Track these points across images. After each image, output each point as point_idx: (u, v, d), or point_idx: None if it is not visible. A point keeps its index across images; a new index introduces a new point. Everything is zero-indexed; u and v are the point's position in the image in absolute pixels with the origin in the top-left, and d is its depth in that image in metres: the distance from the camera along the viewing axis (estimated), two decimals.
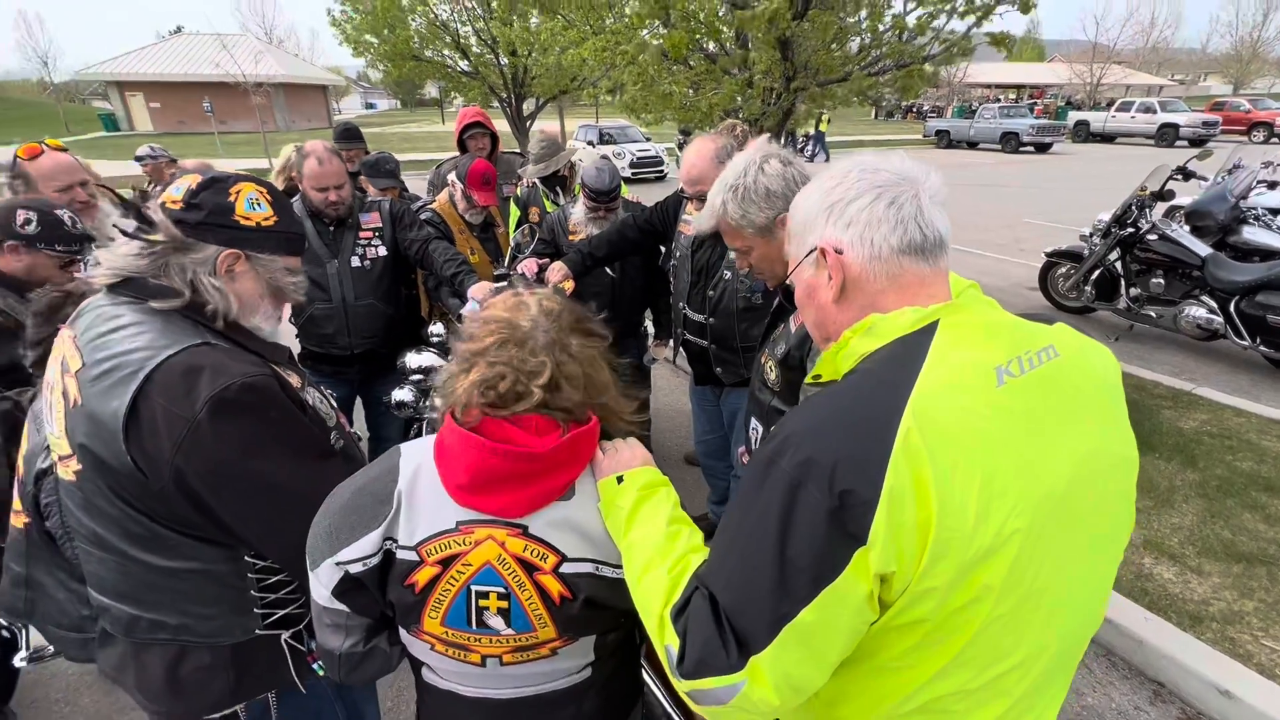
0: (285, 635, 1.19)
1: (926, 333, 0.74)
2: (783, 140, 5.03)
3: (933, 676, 0.70)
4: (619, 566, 0.95)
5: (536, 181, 3.39)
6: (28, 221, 1.91)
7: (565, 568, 0.93)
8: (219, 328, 1.11)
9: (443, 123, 40.82)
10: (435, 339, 2.66)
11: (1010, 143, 23.37)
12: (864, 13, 4.15)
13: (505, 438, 0.91)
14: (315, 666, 1.25)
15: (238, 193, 1.12)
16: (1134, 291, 5.35)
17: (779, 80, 4.07)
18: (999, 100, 34.77)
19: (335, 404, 1.32)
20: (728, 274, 2.21)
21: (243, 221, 1.12)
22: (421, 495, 0.94)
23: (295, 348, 2.76)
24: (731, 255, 2.20)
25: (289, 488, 1.05)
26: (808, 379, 0.98)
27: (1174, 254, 5.09)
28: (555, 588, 0.93)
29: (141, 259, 1.07)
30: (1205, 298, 4.95)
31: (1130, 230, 5.27)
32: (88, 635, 1.55)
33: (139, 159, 4.78)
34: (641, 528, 0.89)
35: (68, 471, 1.08)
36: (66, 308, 1.47)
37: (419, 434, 3.04)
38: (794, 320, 1.41)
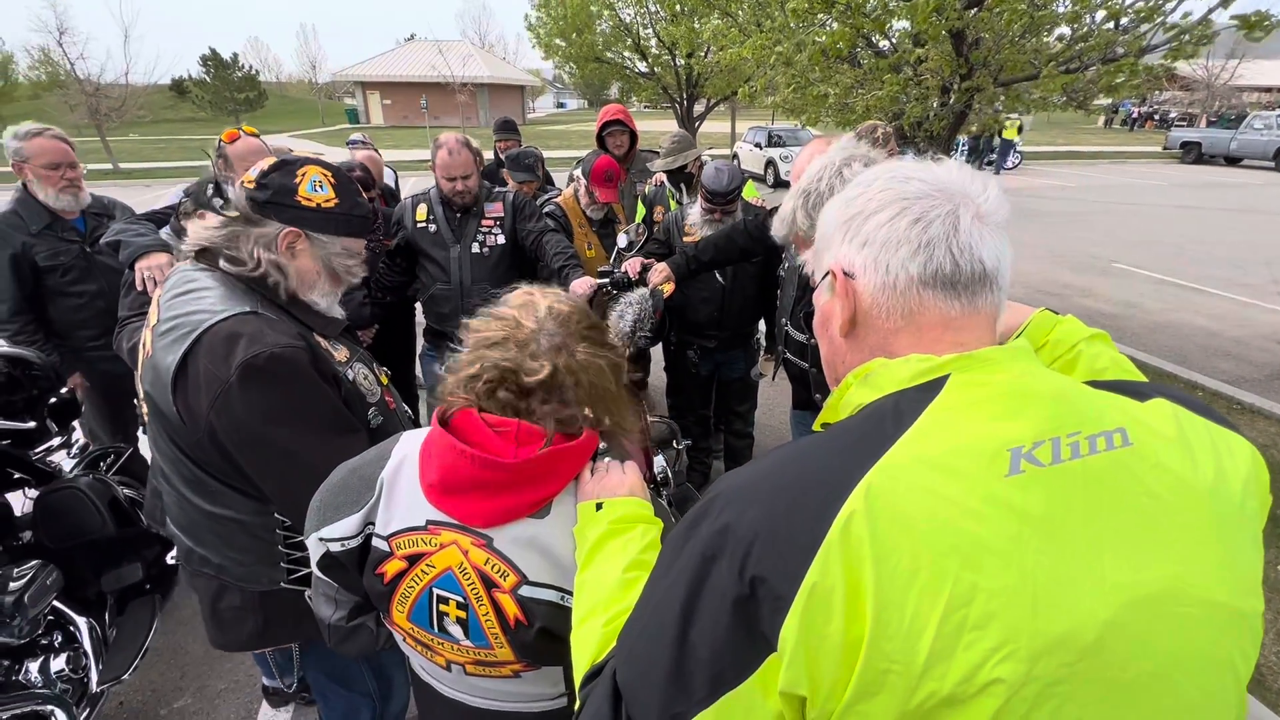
0: (309, 593, 1.27)
1: (930, 389, 0.56)
2: (955, 149, 4.45)
3: None
4: None
5: (664, 181, 3.35)
6: (216, 194, 2.26)
7: (524, 590, 0.87)
8: (281, 300, 1.19)
9: None
10: None
11: None
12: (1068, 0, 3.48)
13: (479, 442, 0.87)
14: None
15: (303, 175, 1.20)
16: None
17: (952, 78, 3.60)
18: (1277, 107, 28.20)
19: (385, 381, 1.38)
20: None
21: (304, 202, 1.19)
22: (402, 487, 0.93)
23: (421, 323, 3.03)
24: None
25: (303, 457, 1.11)
26: (815, 425, 0.82)
27: None
28: (512, 610, 0.87)
29: (219, 232, 1.18)
30: None
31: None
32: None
33: (351, 144, 5.55)
34: (598, 567, 0.80)
35: (145, 413, 1.24)
36: None
37: None
38: None
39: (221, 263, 1.19)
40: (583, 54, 14.30)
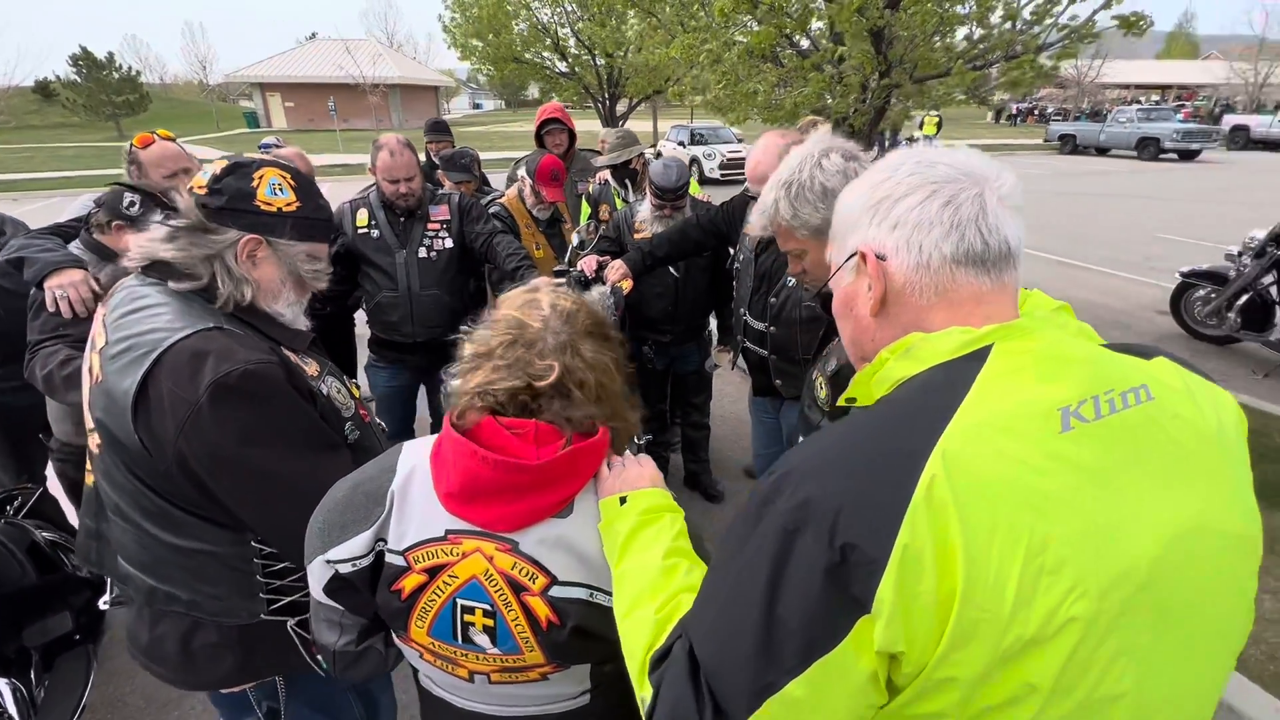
0: (291, 622, 1.19)
1: (975, 359, 0.60)
2: (876, 144, 4.71)
3: None
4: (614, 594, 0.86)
5: (609, 179, 3.35)
6: (132, 203, 2.07)
7: (555, 591, 0.86)
8: (229, 311, 1.11)
9: None
10: None
11: (1149, 149, 21.00)
12: (972, 1, 3.77)
13: (500, 446, 0.84)
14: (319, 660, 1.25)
15: (260, 178, 1.12)
16: None
17: (871, 76, 3.81)
18: (1138, 102, 31.50)
19: (357, 394, 1.31)
20: (791, 281, 2.05)
21: (264, 207, 1.11)
22: (414, 498, 0.89)
23: (365, 333, 2.89)
24: None
25: (285, 478, 1.04)
26: (840, 401, 0.85)
27: None
28: (543, 611, 0.86)
29: (169, 243, 1.09)
30: None
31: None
32: None
33: (263, 147, 5.19)
34: (636, 557, 0.80)
35: (94, 444, 1.12)
36: None
37: None
38: None
39: (173, 279, 1.10)
40: (500, 54, 14.04)
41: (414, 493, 0.89)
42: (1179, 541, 0.54)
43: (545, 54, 14.38)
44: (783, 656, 0.54)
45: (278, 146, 5.37)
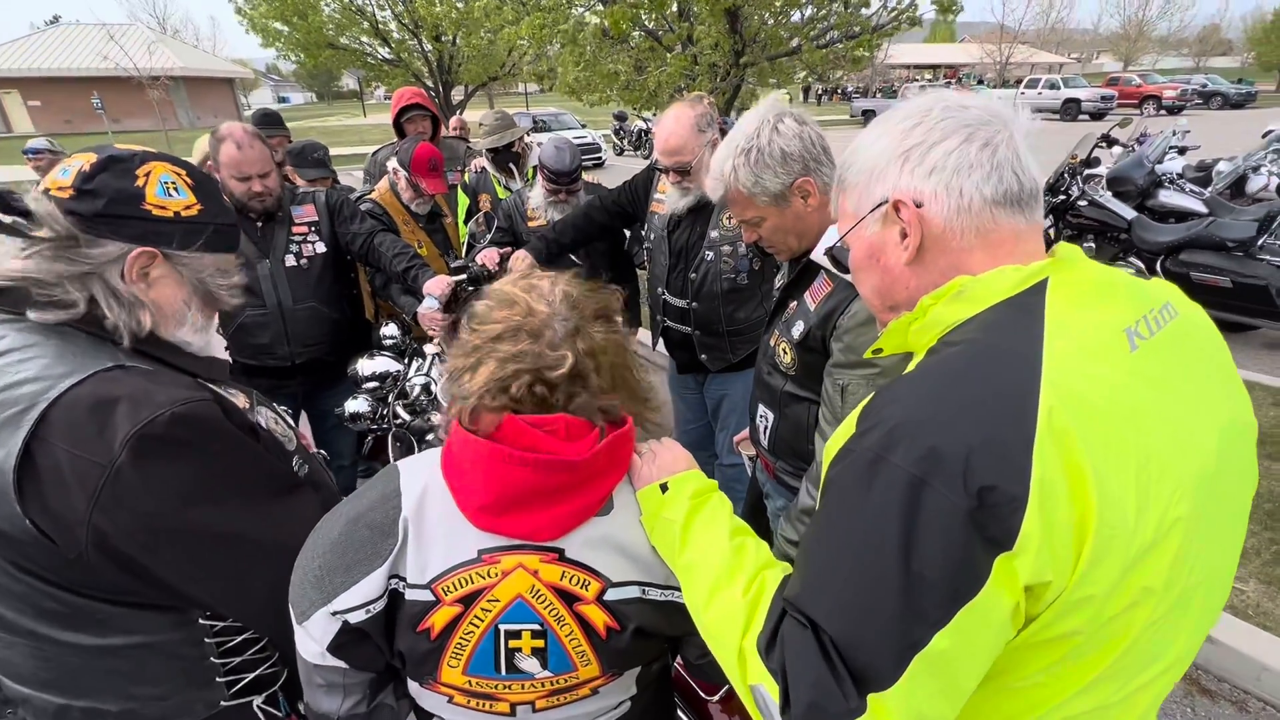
0: (258, 701, 1.00)
1: (1035, 294, 0.64)
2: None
3: (1072, 694, 0.60)
4: (667, 588, 0.82)
5: (486, 166, 3.17)
6: None
7: (610, 594, 0.80)
8: (126, 345, 0.89)
9: (364, 115, 38.93)
10: (389, 342, 2.44)
11: None
12: None
13: (531, 445, 0.76)
14: None
15: (147, 175, 0.90)
16: None
17: (728, 55, 3.97)
18: (917, 80, 36.09)
19: (293, 422, 1.12)
20: (709, 255, 2.09)
21: (156, 211, 0.89)
22: (432, 522, 0.78)
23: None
24: (713, 234, 2.08)
25: (247, 535, 0.87)
26: (867, 354, 0.87)
27: (1103, 218, 5.34)
28: (601, 619, 0.79)
29: (21, 262, 0.84)
30: (1133, 259, 5.21)
31: (1062, 197, 5.49)
32: None
33: (34, 152, 4.21)
34: (700, 543, 0.76)
35: None
36: None
37: (373, 448, 2.81)
38: (811, 297, 1.30)
39: (33, 308, 0.85)
40: (311, 40, 12.64)
41: (431, 516, 0.78)
42: (1225, 434, 0.62)
43: (365, 39, 13.21)
44: (925, 611, 0.54)
45: (52, 152, 4.43)
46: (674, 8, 4.41)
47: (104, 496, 0.77)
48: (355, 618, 0.76)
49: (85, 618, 0.86)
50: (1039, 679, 0.60)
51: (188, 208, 0.93)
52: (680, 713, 1.31)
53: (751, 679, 0.64)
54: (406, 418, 2.13)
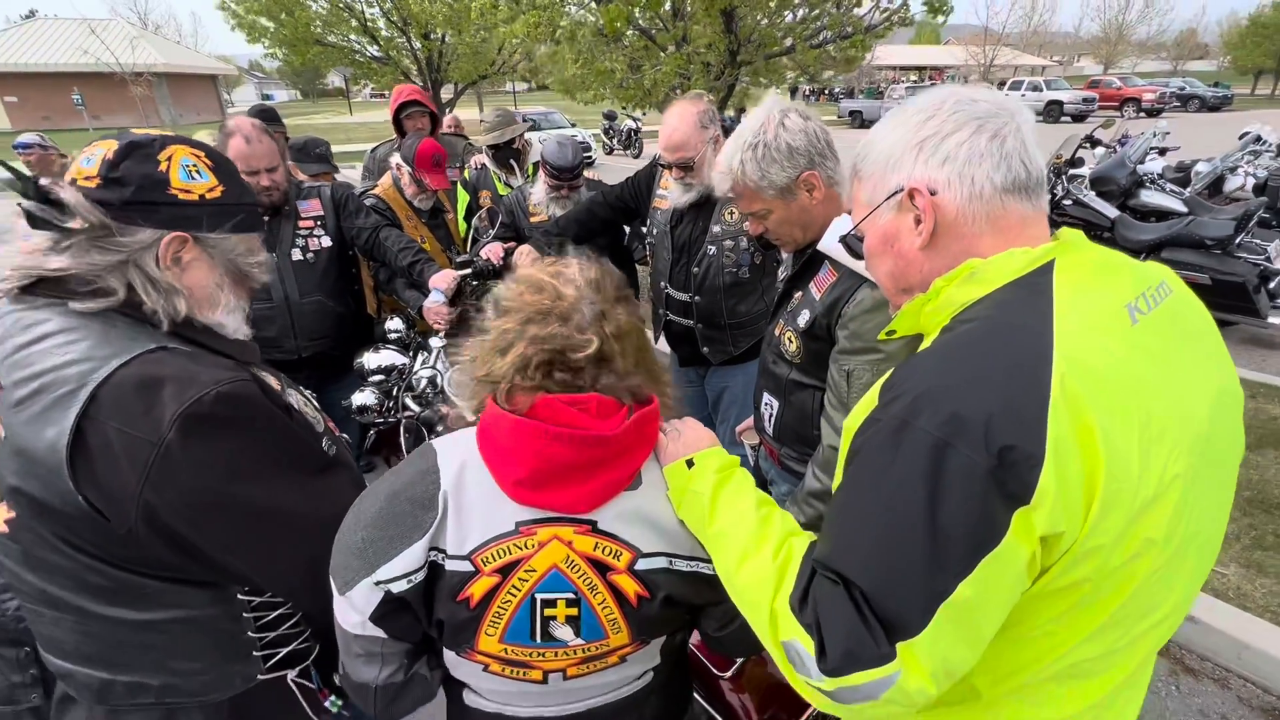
0: (292, 674, 1.04)
1: (1043, 274, 0.69)
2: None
3: (1081, 640, 0.66)
4: (692, 559, 0.87)
5: (486, 163, 3.20)
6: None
7: (640, 564, 0.84)
8: (165, 329, 0.92)
9: (350, 113, 38.58)
10: (393, 335, 2.46)
11: None
12: None
13: (566, 421, 0.80)
14: (329, 704, 1.10)
15: (169, 159, 0.91)
16: None
17: (723, 55, 4.02)
18: (902, 81, 36.46)
19: (319, 405, 1.15)
20: (711, 249, 2.13)
21: (182, 195, 0.92)
22: (471, 496, 0.82)
23: None
24: (715, 229, 2.13)
25: (287, 510, 0.90)
26: (880, 335, 0.92)
27: (1087, 217, 5.45)
28: (632, 588, 0.84)
29: (56, 254, 0.86)
30: None
31: (1048, 196, 5.62)
32: (20, 707, 1.32)
33: (24, 147, 4.16)
34: (728, 514, 0.81)
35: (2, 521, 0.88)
36: None
37: (377, 440, 2.83)
38: (816, 287, 1.35)
39: (74, 299, 0.87)
40: (299, 37, 12.53)
41: (469, 490, 0.82)
42: (1216, 401, 0.68)
43: (353, 36, 13.11)
44: (950, 562, 0.59)
45: (43, 147, 4.39)
46: (667, 6, 4.47)
47: (154, 472, 0.80)
48: (397, 587, 0.80)
49: (130, 593, 0.89)
50: (1050, 628, 0.65)
51: (211, 189, 0.95)
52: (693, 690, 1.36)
53: (784, 635, 0.68)
54: (416, 409, 2.16)
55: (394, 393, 2.32)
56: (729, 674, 1.35)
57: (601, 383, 0.85)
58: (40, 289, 0.88)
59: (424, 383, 2.25)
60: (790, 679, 0.69)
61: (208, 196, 0.95)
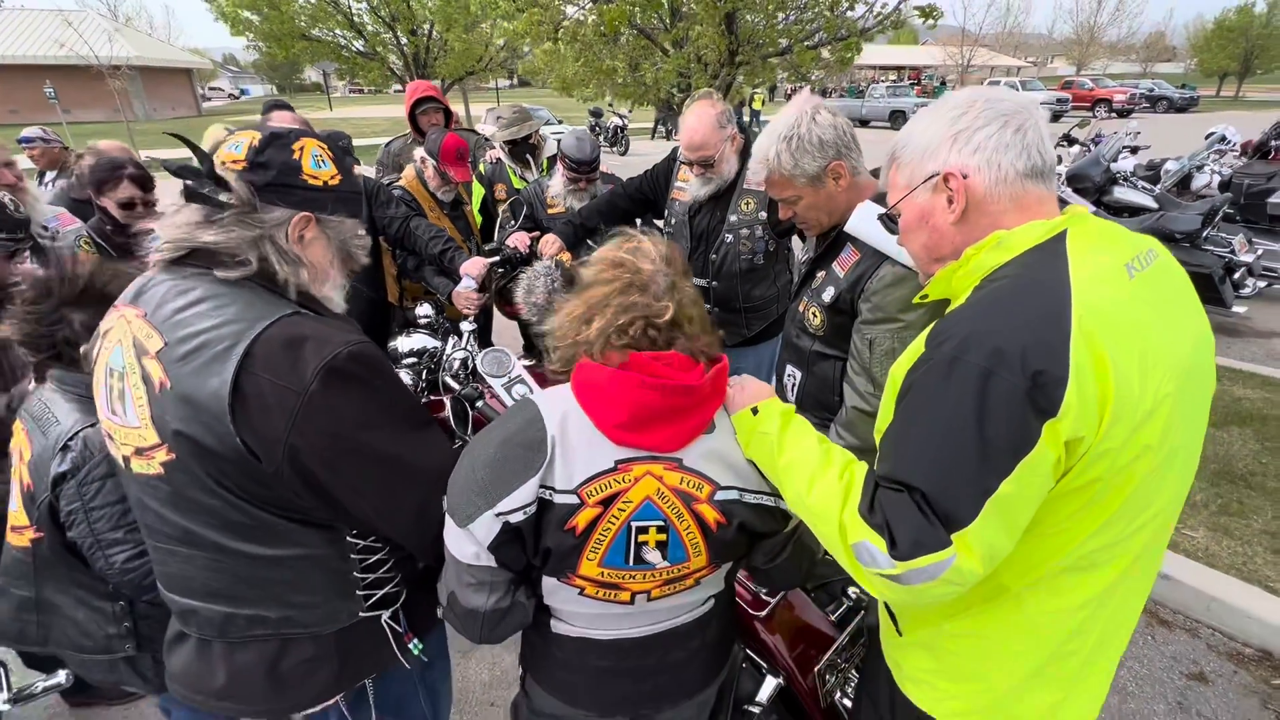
0: (385, 615, 1.16)
1: (1058, 241, 0.84)
2: None
3: (1091, 534, 0.82)
4: (759, 492, 1.01)
5: (502, 157, 3.31)
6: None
7: (719, 495, 0.98)
8: (292, 298, 1.05)
9: (330, 109, 38.08)
10: (423, 320, 2.57)
11: (899, 120, 24.96)
12: None
13: (656, 373, 0.94)
14: (412, 645, 1.22)
15: (301, 149, 1.04)
16: None
17: (722, 54, 4.18)
18: (882, 81, 36.99)
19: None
20: (729, 237, 2.28)
21: (310, 181, 1.04)
22: (574, 439, 0.95)
23: None
24: (732, 219, 2.28)
25: (404, 458, 1.02)
26: (915, 299, 1.08)
27: None
28: (712, 515, 0.98)
29: (205, 227, 0.98)
30: None
31: (1056, 179, 5.87)
32: (116, 656, 1.42)
33: (27, 141, 4.17)
34: (794, 449, 0.95)
35: (150, 464, 0.99)
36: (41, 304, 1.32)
37: None
38: (840, 266, 1.50)
39: (219, 267, 0.99)
40: (283, 31, 12.46)
41: (572, 434, 0.96)
42: (1198, 343, 0.85)
43: (339, 31, 13.06)
44: (995, 465, 0.75)
45: (45, 140, 4.39)
46: (665, 6, 4.61)
47: (299, 418, 0.92)
48: (515, 519, 0.93)
49: (264, 530, 1.01)
50: (1065, 525, 0.81)
51: (333, 177, 1.08)
52: None
53: (853, 539, 0.83)
54: (456, 388, 2.28)
55: (424, 374, 2.43)
56: (764, 613, 1.50)
57: (676, 344, 0.99)
58: (189, 260, 1.00)
59: (456, 364, 2.37)
60: (856, 575, 0.84)
61: (330, 183, 1.07)
